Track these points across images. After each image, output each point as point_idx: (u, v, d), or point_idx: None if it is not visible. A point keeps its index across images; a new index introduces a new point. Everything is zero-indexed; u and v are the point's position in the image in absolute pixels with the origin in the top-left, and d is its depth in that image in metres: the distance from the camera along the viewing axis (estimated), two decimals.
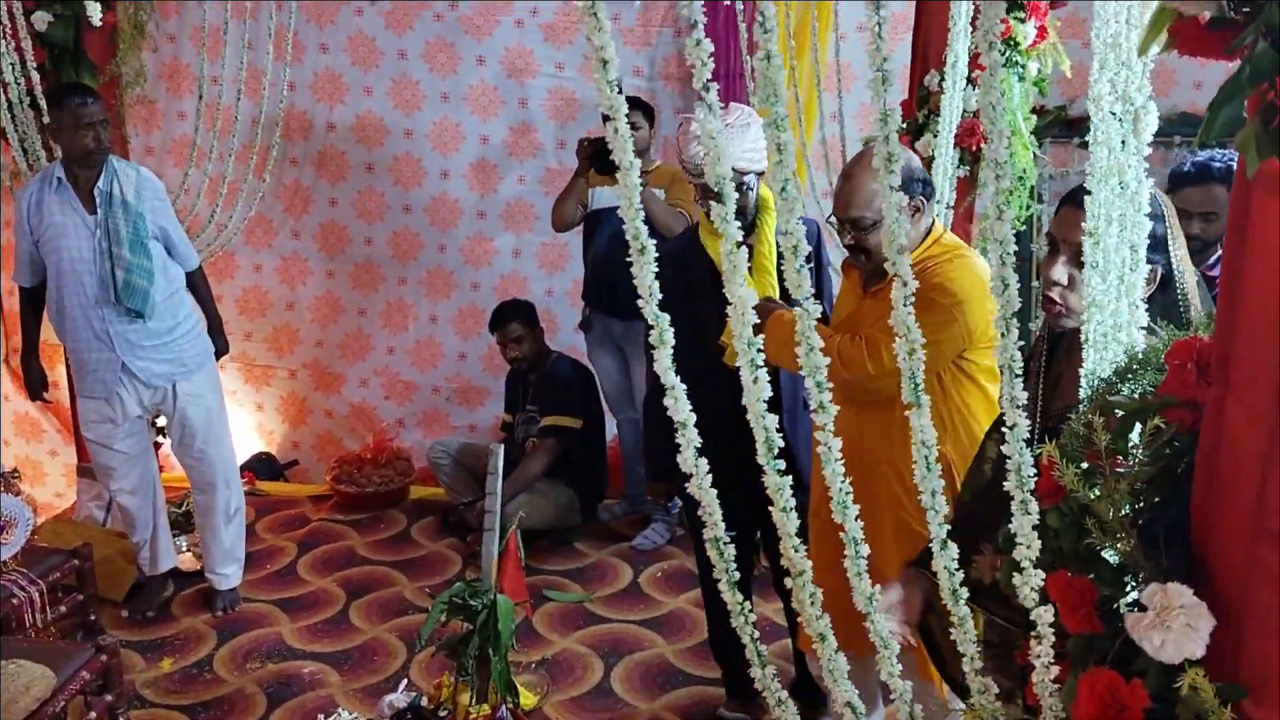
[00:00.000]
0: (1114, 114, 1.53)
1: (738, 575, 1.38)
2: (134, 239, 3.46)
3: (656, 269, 1.23)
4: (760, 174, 2.94)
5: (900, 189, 1.95)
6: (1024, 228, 3.80)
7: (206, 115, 4.38)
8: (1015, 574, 1.14)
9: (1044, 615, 1.13)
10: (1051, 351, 1.91)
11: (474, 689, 2.82)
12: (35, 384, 3.77)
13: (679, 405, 1.23)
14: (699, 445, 1.30)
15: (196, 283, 3.75)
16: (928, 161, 3.59)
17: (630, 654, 3.62)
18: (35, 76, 3.77)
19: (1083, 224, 1.69)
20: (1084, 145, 4.52)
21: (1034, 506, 1.11)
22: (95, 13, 2.61)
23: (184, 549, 4.18)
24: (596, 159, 4.02)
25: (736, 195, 2.26)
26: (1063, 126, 4.44)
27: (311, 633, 3.74)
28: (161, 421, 4.05)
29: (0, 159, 3.95)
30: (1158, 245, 1.73)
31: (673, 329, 1.24)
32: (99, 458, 3.73)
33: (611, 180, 4.13)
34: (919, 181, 2.41)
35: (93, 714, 3.08)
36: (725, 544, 1.37)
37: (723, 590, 1.32)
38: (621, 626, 3.80)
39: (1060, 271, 1.78)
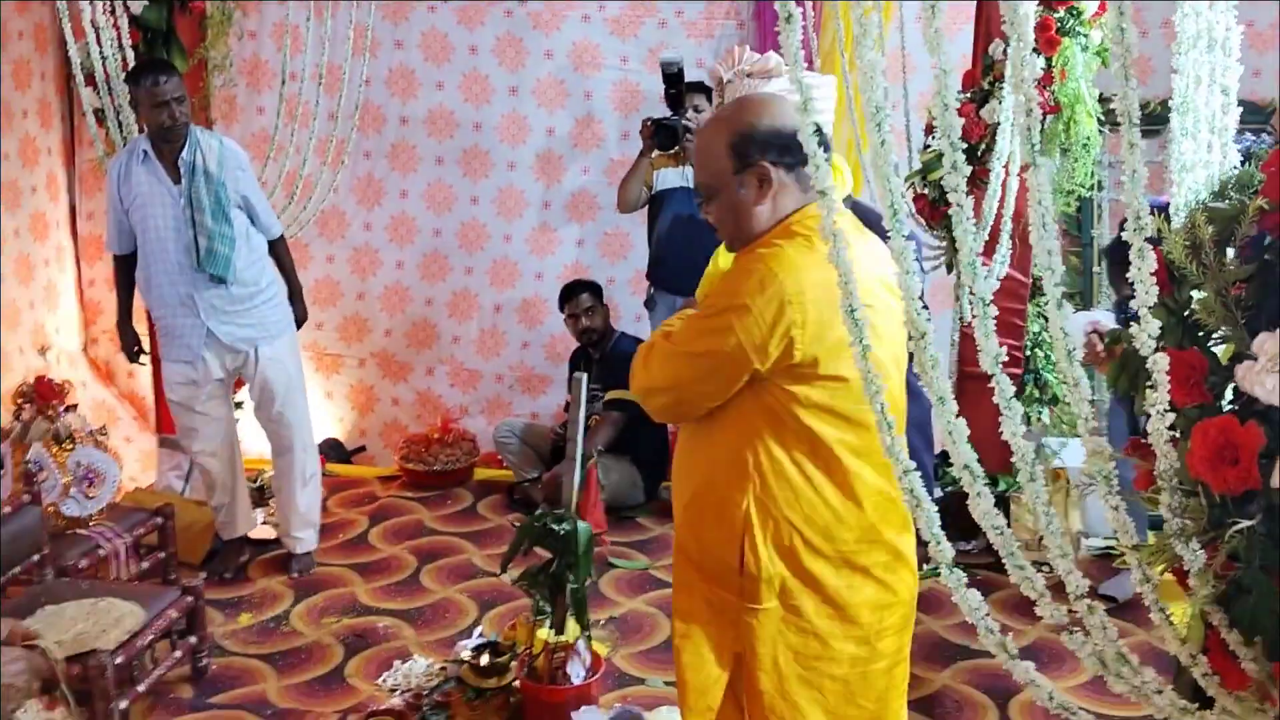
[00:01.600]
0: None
1: None
2: (216, 207, 3.60)
3: None
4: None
5: (733, 153, 1.75)
6: (1088, 195, 3.84)
7: (286, 109, 4.55)
8: (1133, 325, 1.18)
9: (1160, 363, 1.17)
10: None
11: (552, 619, 2.87)
12: (130, 346, 3.91)
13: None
14: None
15: (279, 251, 3.89)
16: (992, 129, 3.66)
17: None
18: (129, 55, 3.96)
19: None
20: (1142, 134, 4.57)
21: (1150, 254, 1.16)
22: None
23: (260, 520, 4.28)
24: (659, 136, 4.14)
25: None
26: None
27: (385, 593, 3.80)
28: (241, 395, 4.17)
29: (95, 135, 4.13)
30: None
31: None
32: (182, 420, 3.84)
33: (674, 160, 4.26)
34: (771, 146, 1.78)
35: (178, 653, 3.18)
36: None
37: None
38: None
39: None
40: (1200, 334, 1.34)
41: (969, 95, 3.73)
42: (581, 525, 2.78)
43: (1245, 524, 1.12)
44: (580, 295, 4.51)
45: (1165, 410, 1.17)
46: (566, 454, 2.87)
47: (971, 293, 1.21)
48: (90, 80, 3.95)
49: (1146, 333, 1.16)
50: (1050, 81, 3.55)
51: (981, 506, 1.22)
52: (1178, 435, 1.25)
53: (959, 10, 4.43)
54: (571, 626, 2.85)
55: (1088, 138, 3.65)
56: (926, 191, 3.83)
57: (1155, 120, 5.14)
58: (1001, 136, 3.59)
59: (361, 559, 4.08)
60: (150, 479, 4.58)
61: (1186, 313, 1.35)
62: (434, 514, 4.51)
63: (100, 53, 3.86)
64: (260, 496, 4.41)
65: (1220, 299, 1.31)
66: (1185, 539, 1.16)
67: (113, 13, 3.87)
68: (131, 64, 3.93)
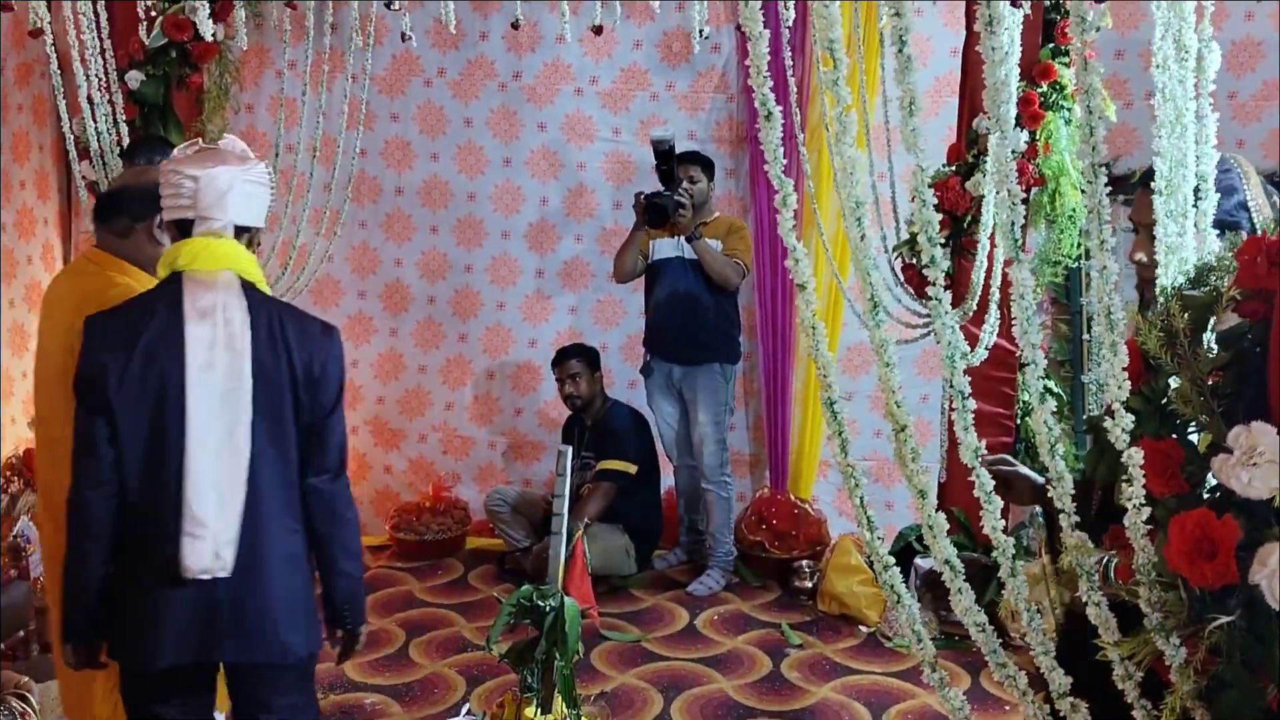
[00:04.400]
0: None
1: None
2: None
3: None
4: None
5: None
6: (1074, 265, 3.87)
7: (281, 180, 4.59)
8: (1108, 419, 1.19)
9: (1134, 457, 1.17)
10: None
11: (539, 697, 2.83)
12: None
13: None
14: None
15: None
16: (977, 201, 3.70)
17: (690, 689, 3.60)
18: (124, 131, 4.00)
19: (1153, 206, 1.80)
20: (1126, 203, 4.66)
21: (1122, 349, 1.17)
22: (206, 28, 2.81)
23: None
24: (650, 215, 4.19)
25: None
26: (1105, 183, 4.56)
27: (372, 667, 3.75)
28: None
29: (88, 208, 4.16)
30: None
31: None
32: None
33: (669, 231, 4.30)
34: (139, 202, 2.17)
35: None
36: None
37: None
38: (680, 664, 3.78)
39: (1142, 251, 1.86)
40: (1178, 421, 1.35)
41: (954, 169, 3.78)
42: (568, 602, 2.75)
43: (1224, 620, 1.12)
44: (569, 360, 4.52)
45: (1141, 504, 1.17)
46: (552, 528, 2.85)
47: (950, 384, 1.22)
48: (85, 155, 3.98)
49: (1120, 427, 1.17)
50: (1034, 155, 3.61)
51: (963, 603, 1.21)
52: (1155, 525, 1.25)
53: (944, 83, 4.51)
54: (559, 705, 2.81)
55: (1073, 209, 3.70)
56: (915, 261, 3.86)
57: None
58: (986, 209, 3.63)
59: None
60: None
61: (1164, 400, 1.36)
62: (424, 584, 4.47)
63: (96, 128, 3.90)
64: None
65: (1196, 388, 1.32)
66: (1165, 633, 1.15)
67: (109, 88, 3.91)
68: (127, 139, 3.97)
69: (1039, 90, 3.59)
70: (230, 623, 2.14)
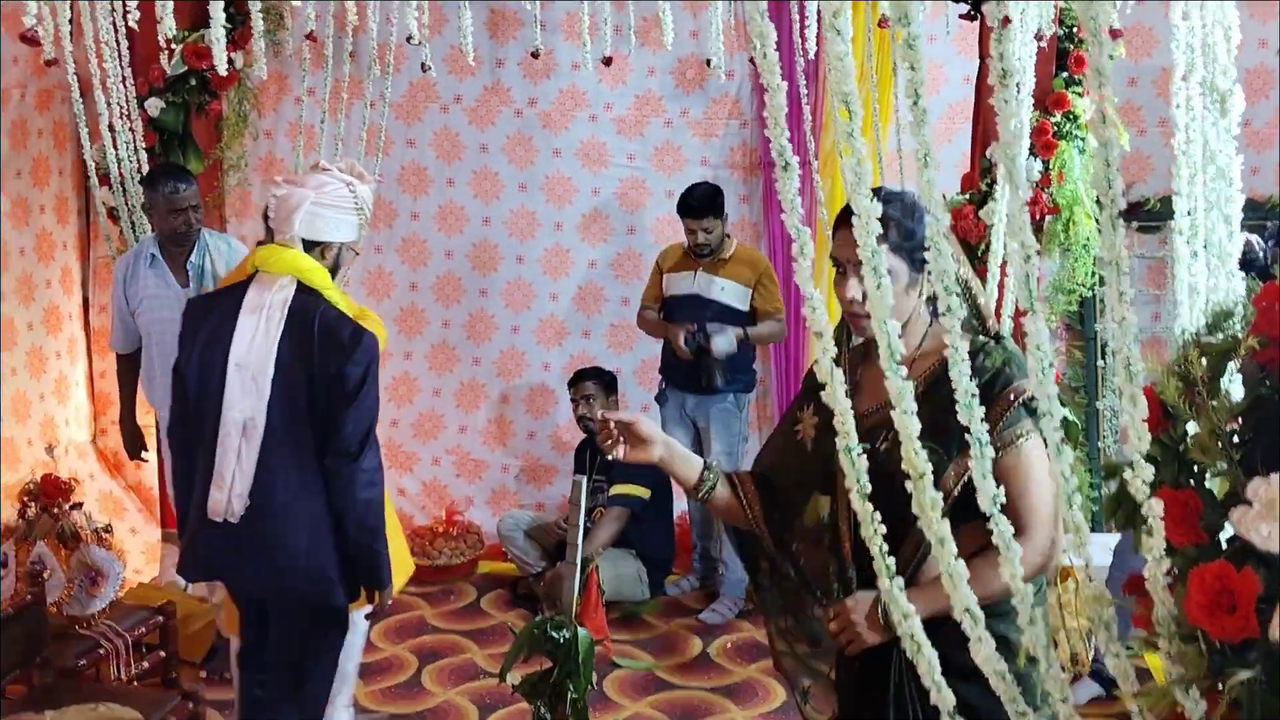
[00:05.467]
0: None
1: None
2: None
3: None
4: None
5: None
6: (1089, 294, 3.87)
7: None
8: (1128, 470, 1.19)
9: (1155, 508, 1.17)
10: (852, 360, 2.01)
11: None
12: (133, 444, 3.92)
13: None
14: None
15: None
16: (990, 229, 3.71)
17: (703, 718, 3.58)
18: (145, 158, 4.04)
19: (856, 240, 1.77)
20: (1142, 229, 4.71)
21: (1141, 400, 1.17)
22: (223, 63, 2.87)
23: None
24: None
25: None
26: (1120, 210, 4.55)
27: (385, 695, 3.76)
28: None
29: (107, 233, 4.21)
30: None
31: None
32: None
33: (689, 265, 4.33)
34: None
35: None
36: None
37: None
38: (693, 693, 3.77)
39: (854, 289, 1.83)
40: (1196, 468, 1.34)
41: (968, 196, 3.78)
42: (581, 633, 2.75)
43: (1245, 674, 1.11)
44: (584, 382, 4.52)
45: (1160, 557, 1.17)
46: (566, 558, 2.85)
47: (968, 431, 1.22)
48: (105, 180, 4.03)
49: (1140, 478, 1.17)
50: (1048, 184, 3.61)
51: (984, 652, 1.21)
52: (1175, 575, 1.25)
53: (957, 110, 4.53)
54: None
55: (1087, 238, 3.70)
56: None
57: (1155, 216, 5.19)
58: (997, 238, 3.63)
59: (363, 659, 4.02)
60: (154, 571, 4.56)
61: (1182, 446, 1.36)
62: (436, 610, 4.47)
63: (116, 155, 3.94)
64: None
65: (1215, 436, 1.32)
66: (1185, 687, 1.15)
67: (129, 115, 3.95)
68: (146, 166, 4.01)
69: (1052, 120, 3.60)
70: (242, 560, 2.64)
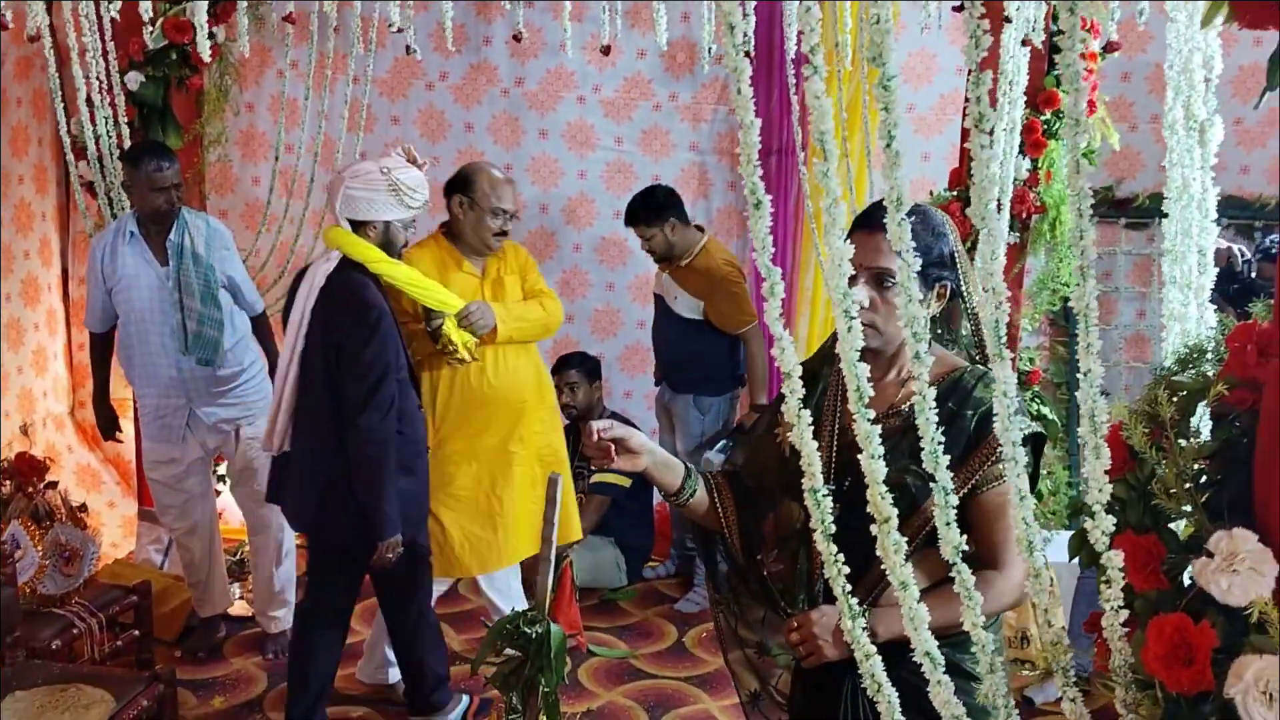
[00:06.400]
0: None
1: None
2: (205, 290, 3.60)
3: None
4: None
5: None
6: (1073, 290, 3.85)
7: (280, 181, 4.58)
8: (1088, 519, 1.18)
9: (1114, 560, 1.17)
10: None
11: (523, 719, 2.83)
12: (107, 425, 3.89)
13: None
14: None
15: (261, 328, 3.88)
16: (973, 228, 3.69)
17: (675, 709, 3.60)
18: (125, 132, 3.97)
19: (882, 248, 1.74)
20: (1130, 226, 4.67)
21: (1105, 451, 1.17)
22: (205, 46, 2.85)
23: (237, 595, 4.24)
24: None
25: None
26: (1109, 206, 4.54)
27: (360, 680, 3.76)
28: (222, 469, 4.16)
29: (84, 208, 4.16)
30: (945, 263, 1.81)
31: None
32: (162, 498, 3.83)
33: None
34: None
35: None
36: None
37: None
38: (667, 682, 3.79)
39: (861, 293, 1.80)
40: (1160, 510, 1.34)
41: (955, 193, 3.76)
42: (554, 628, 2.75)
43: None
44: (568, 370, 4.50)
45: (1118, 608, 1.17)
46: (541, 554, 2.84)
47: (933, 479, 1.21)
48: (81, 154, 3.96)
49: (1100, 529, 1.16)
50: (1036, 183, 3.59)
51: (942, 696, 1.21)
52: (1135, 621, 1.24)
53: (949, 101, 4.50)
54: None
55: None
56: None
57: (1144, 213, 5.14)
58: (983, 240, 3.61)
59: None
60: (131, 545, 4.55)
61: (1148, 487, 1.35)
62: None
63: (94, 130, 3.87)
64: (240, 569, 4.37)
65: (1180, 479, 1.31)
66: None
67: (109, 89, 3.89)
68: (126, 140, 3.95)
69: (1042, 118, 3.57)
70: (285, 494, 3.22)
